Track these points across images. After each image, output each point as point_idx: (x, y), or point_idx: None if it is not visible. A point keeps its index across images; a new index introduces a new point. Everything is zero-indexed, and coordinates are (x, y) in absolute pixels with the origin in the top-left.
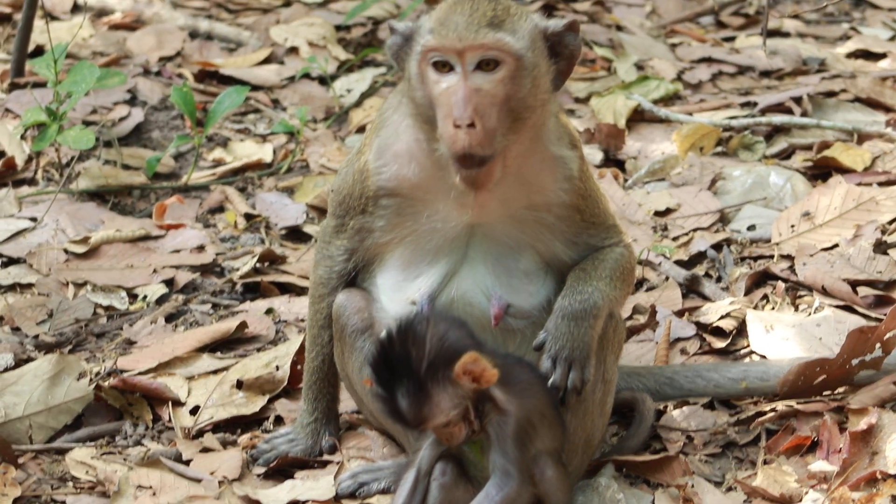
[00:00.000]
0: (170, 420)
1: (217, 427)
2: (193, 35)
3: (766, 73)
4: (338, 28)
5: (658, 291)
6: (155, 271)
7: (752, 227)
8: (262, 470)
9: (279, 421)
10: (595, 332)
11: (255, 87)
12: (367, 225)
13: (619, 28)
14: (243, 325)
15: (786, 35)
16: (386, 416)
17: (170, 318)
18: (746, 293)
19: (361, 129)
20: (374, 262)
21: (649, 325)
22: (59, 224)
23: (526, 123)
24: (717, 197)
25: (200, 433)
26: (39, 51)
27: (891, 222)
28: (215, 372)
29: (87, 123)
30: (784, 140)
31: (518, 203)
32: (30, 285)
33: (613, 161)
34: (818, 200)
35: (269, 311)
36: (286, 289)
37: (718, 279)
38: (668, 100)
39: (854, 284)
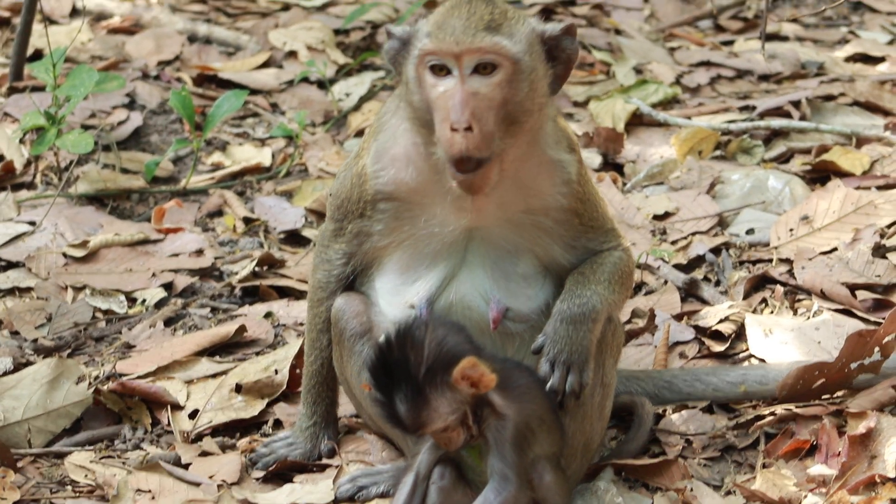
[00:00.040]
0: (169, 424)
1: (216, 431)
2: (192, 39)
3: (764, 77)
4: (336, 32)
5: (657, 295)
6: (154, 275)
7: (750, 231)
8: (260, 474)
9: (278, 425)
10: (594, 335)
11: (254, 91)
12: (365, 229)
13: (618, 32)
14: (242, 328)
15: (784, 39)
16: (384, 420)
17: (169, 322)
18: (745, 297)
19: (360, 133)
20: (373, 265)
21: (648, 329)
22: (57, 228)
23: (523, 127)
24: (716, 201)
25: (199, 437)
26: (38, 55)
27: (889, 226)
28: (214, 376)
29: (85, 127)
30: (783, 144)
31: (516, 207)
32: (29, 289)
33: (612, 165)
34: (817, 204)
35: (267, 315)
36: (285, 293)
37: (717, 283)
38: (667, 103)
39: (853, 288)
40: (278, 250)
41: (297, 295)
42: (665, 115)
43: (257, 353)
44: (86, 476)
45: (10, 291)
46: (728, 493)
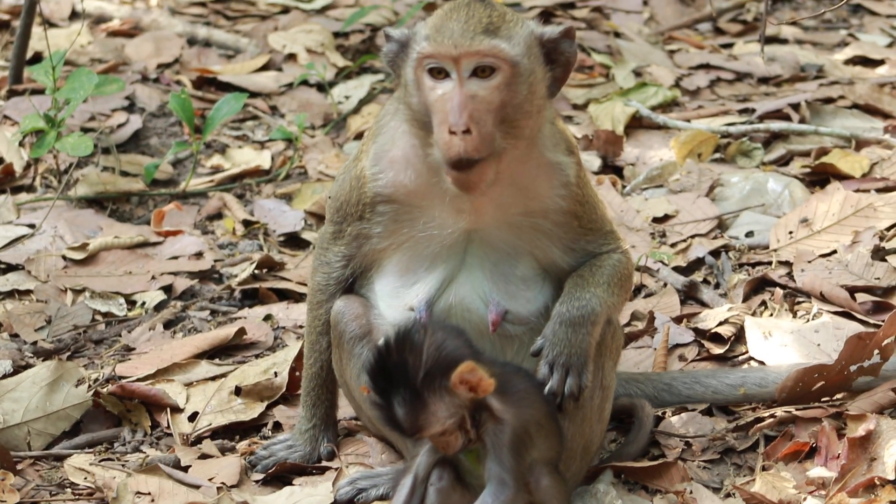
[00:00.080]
0: (168, 426)
1: (215, 433)
2: (192, 42)
3: (764, 80)
4: (336, 35)
5: (656, 298)
6: (153, 278)
7: (750, 234)
8: (260, 476)
9: (277, 427)
10: (593, 338)
11: (254, 94)
12: (364, 231)
13: (618, 35)
14: (241, 331)
15: (784, 42)
16: (382, 423)
17: (168, 325)
18: (745, 299)
19: (359, 136)
20: (372, 268)
21: (647, 332)
22: (57, 231)
23: (522, 130)
24: (716, 203)
25: (199, 439)
26: (38, 58)
27: (889, 228)
28: (214, 378)
29: (85, 130)
30: (782, 146)
31: (515, 209)
32: (28, 292)
33: (611, 167)
34: (816, 207)
35: (267, 318)
36: (284, 295)
37: (717, 285)
38: (667, 106)
39: (852, 291)
40: (278, 253)
41: (297, 297)
42: (664, 117)
43: (257, 356)
44: (85, 478)
45: (10, 294)
46: (728, 495)
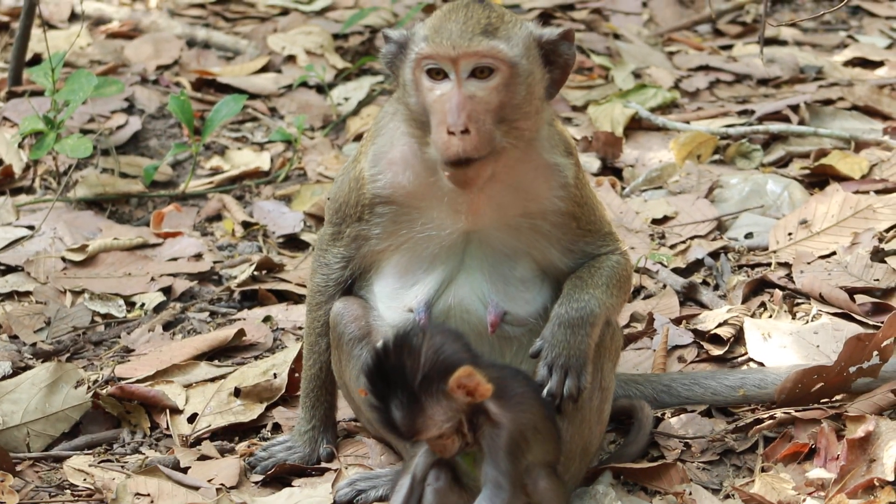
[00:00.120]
0: (167, 428)
1: (215, 435)
2: (191, 43)
3: (763, 82)
4: (335, 37)
5: (655, 299)
6: (152, 279)
7: (749, 235)
8: (259, 478)
9: (277, 429)
10: (591, 339)
11: (253, 96)
12: (363, 232)
13: (617, 36)
14: (241, 332)
15: (783, 43)
16: (380, 426)
17: (167, 326)
18: (744, 301)
19: (359, 138)
20: (371, 269)
21: (647, 333)
22: (56, 232)
23: (520, 131)
24: (715, 205)
25: (198, 441)
26: (37, 59)
27: (888, 230)
28: (213, 380)
29: (84, 132)
30: (781, 148)
31: (513, 211)
32: (27, 293)
33: (611, 169)
34: (815, 208)
35: (266, 319)
36: (284, 297)
37: (716, 287)
38: (666, 108)
39: (851, 292)
40: (277, 254)
41: (296, 299)
42: (664, 119)
43: (256, 357)
44: (84, 480)
45: (9, 295)
46: (727, 496)
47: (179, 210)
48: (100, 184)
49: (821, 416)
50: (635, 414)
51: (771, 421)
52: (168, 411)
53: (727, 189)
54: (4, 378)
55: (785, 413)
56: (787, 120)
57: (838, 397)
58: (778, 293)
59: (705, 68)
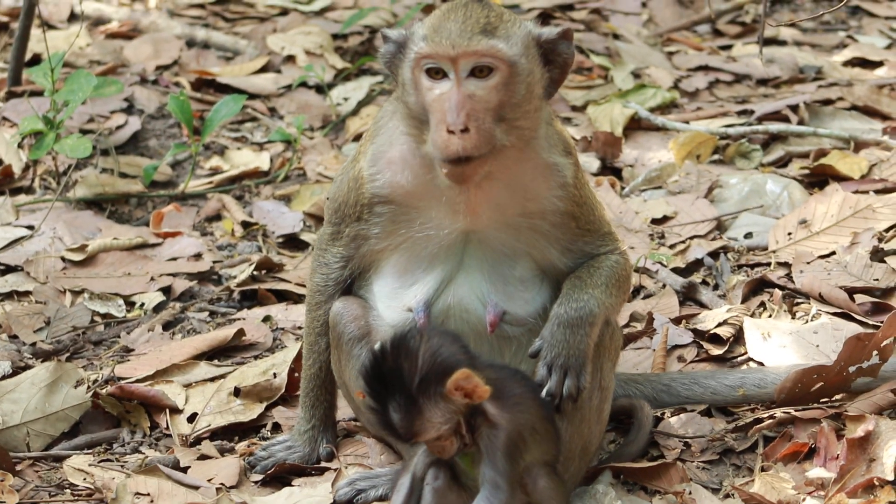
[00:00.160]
0: (167, 427)
1: (214, 434)
2: (190, 44)
3: (762, 82)
4: (335, 37)
5: (655, 299)
6: (152, 279)
7: (748, 235)
8: (259, 477)
9: (277, 428)
10: (591, 339)
11: (252, 96)
12: (362, 232)
13: (616, 36)
14: (241, 332)
15: (782, 43)
16: (378, 428)
17: (167, 326)
18: (743, 301)
19: (358, 138)
20: (371, 269)
21: (646, 333)
22: (56, 232)
23: (519, 130)
24: (714, 205)
25: (198, 440)
26: (36, 59)
27: (887, 230)
28: (213, 379)
29: (84, 132)
30: (781, 148)
31: (512, 210)
32: (27, 293)
33: (610, 169)
34: (815, 208)
35: (266, 319)
36: (283, 296)
37: (715, 287)
38: (665, 108)
39: (851, 292)
40: (277, 254)
41: (296, 299)
42: (663, 119)
43: (256, 357)
44: (84, 479)
45: (9, 295)
46: (727, 496)
47: (179, 210)
48: (99, 184)
49: (820, 415)
50: (635, 413)
51: (771, 420)
52: (168, 411)
53: (727, 189)
54: (4, 378)
55: (785, 412)
56: (786, 120)
57: (838, 397)
58: (777, 293)
59: (705, 68)
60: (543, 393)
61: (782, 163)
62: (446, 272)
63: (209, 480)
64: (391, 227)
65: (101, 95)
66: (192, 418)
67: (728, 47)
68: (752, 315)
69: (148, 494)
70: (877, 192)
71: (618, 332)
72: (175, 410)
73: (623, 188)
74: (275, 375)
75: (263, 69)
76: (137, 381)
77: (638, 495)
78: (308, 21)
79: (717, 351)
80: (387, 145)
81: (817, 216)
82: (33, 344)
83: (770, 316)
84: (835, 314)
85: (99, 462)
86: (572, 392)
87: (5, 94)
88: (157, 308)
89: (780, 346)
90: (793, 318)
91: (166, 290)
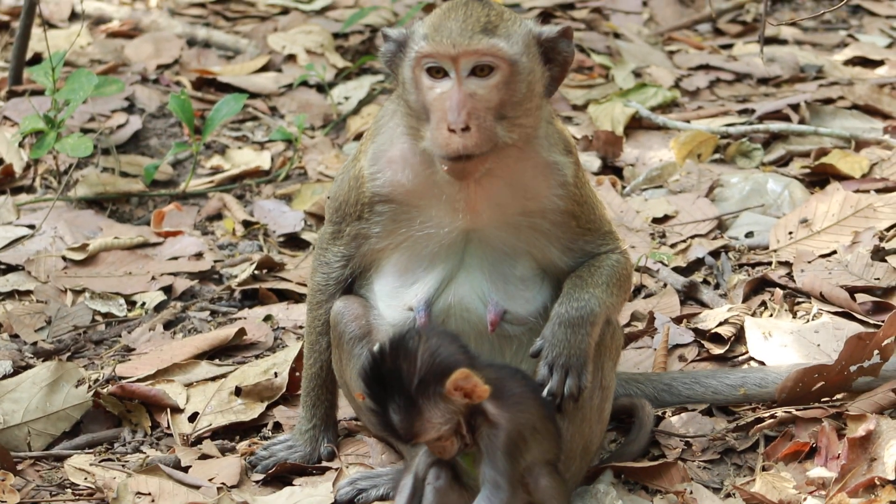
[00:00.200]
0: (168, 427)
1: (215, 434)
2: (191, 43)
3: (763, 81)
4: (335, 36)
5: (656, 298)
6: (153, 278)
7: (749, 234)
8: (260, 477)
9: (278, 428)
10: (592, 339)
11: (253, 95)
12: (363, 231)
13: (617, 35)
14: (242, 332)
15: (783, 42)
16: (378, 429)
17: (168, 326)
18: (744, 300)
19: (359, 137)
20: (371, 268)
21: (647, 332)
22: (57, 231)
23: (520, 128)
24: (715, 204)
25: (199, 440)
26: (37, 58)
27: (888, 229)
28: (214, 379)
29: (84, 131)
30: (782, 147)
31: (513, 209)
32: (28, 292)
33: (611, 168)
34: (816, 207)
35: (267, 318)
36: (284, 296)
37: (716, 286)
38: (666, 107)
39: (852, 291)
40: (277, 253)
41: (297, 298)
42: (664, 118)
43: (257, 357)
44: (85, 479)
45: (10, 295)
46: (728, 495)
47: (180, 209)
48: (100, 183)
49: (821, 415)
50: (636, 413)
51: (772, 420)
52: (169, 410)
53: (728, 188)
54: (5, 377)
55: (786, 412)
56: (787, 119)
57: (839, 396)
58: (778, 292)
59: (705, 67)
60: (545, 392)
61: (783, 162)
62: (447, 271)
63: (210, 480)
64: (392, 226)
65: (102, 94)
66: (193, 418)
67: (729, 46)
68: (753, 314)
69: (149, 494)
70: (878, 191)
71: (619, 332)
72: (176, 410)
73: (624, 187)
74: (276, 375)
75: (264, 68)
76: (138, 380)
77: (639, 495)
78: (309, 20)
79: (718, 350)
80: (387, 144)
81: (818, 215)
82: (34, 343)
83: (771, 315)
84: (836, 313)
85: (100, 461)
86: (573, 392)
87: (6, 94)
88: (158, 307)
89: (781, 345)
90: (794, 317)
91: (167, 290)
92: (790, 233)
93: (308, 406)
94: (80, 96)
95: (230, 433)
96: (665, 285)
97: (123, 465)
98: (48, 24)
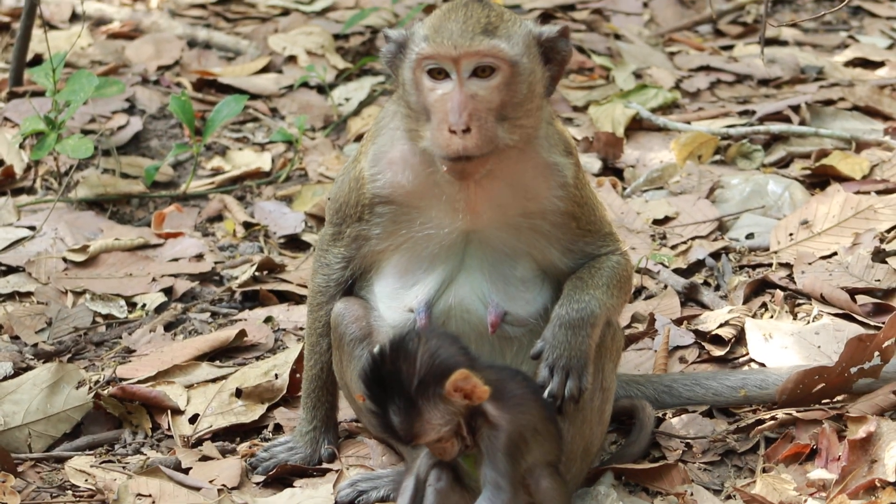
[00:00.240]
0: (169, 428)
1: (216, 435)
2: (192, 44)
3: (764, 82)
4: (336, 37)
5: (657, 300)
6: (154, 280)
7: (750, 236)
8: (261, 478)
9: (278, 429)
10: (592, 340)
11: (254, 96)
12: (363, 232)
13: (618, 37)
14: (242, 333)
15: (784, 44)
16: (379, 431)
17: (169, 327)
18: (745, 301)
19: (359, 138)
20: (372, 269)
21: (648, 334)
22: (57, 233)
23: (521, 129)
24: (716, 205)
25: (199, 441)
26: (38, 60)
27: (889, 230)
28: (214, 380)
29: (85, 132)
30: (782, 148)
31: (513, 210)
32: (29, 294)
33: (612, 169)
34: (816, 209)
35: (267, 320)
36: (285, 297)
37: (717, 287)
38: (667, 108)
39: (852, 293)
40: (278, 255)
41: (297, 299)
42: (665, 119)
43: (257, 358)
44: (86, 480)
45: (11, 296)
46: (728, 497)
47: (180, 210)
48: (101, 184)
49: (822, 416)
50: (637, 414)
51: (772, 421)
52: (169, 412)
53: (728, 189)
54: (6, 379)
55: (786, 414)
56: (787, 120)
57: (839, 398)
58: (779, 294)
59: (706, 69)
60: (545, 394)
61: (784, 163)
62: (447, 272)
63: (211, 481)
64: (392, 228)
65: (103, 96)
66: (193, 419)
67: (729, 47)
68: (754, 316)
69: (149, 495)
70: (878, 192)
71: (619, 333)
72: (177, 411)
73: (624, 188)
74: (276, 376)
75: (265, 69)
76: (139, 381)
77: (640, 496)
78: (309, 21)
79: (718, 352)
80: (388, 145)
81: (819, 217)
82: (35, 345)
83: (771, 317)
84: (836, 315)
85: (100, 463)
86: (574, 393)
87: (7, 95)
88: (159, 309)
89: (782, 346)
90: (794, 318)
91: (168, 291)
92: (791, 234)
93: (308, 408)
94: (81, 97)
95: (231, 435)
96: (665, 287)
97: (124, 467)
98: (49, 26)
